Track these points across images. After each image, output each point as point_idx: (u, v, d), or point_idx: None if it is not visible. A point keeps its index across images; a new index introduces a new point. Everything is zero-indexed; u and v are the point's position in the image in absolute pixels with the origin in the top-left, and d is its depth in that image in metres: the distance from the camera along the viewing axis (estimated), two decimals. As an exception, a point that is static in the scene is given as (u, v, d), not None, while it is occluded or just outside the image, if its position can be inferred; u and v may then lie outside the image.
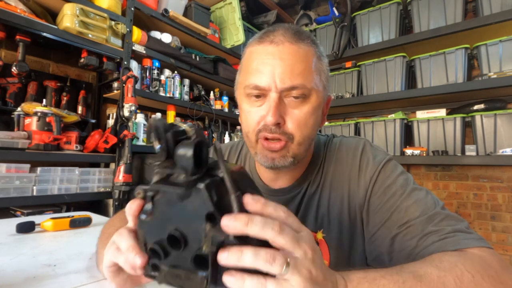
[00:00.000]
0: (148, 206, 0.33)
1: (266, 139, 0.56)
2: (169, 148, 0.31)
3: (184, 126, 0.33)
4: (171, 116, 2.06)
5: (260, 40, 0.57)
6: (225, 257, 0.29)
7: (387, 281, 0.35)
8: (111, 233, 0.45)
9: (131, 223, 0.36)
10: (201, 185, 0.29)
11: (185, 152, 0.29)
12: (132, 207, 0.34)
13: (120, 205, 1.60)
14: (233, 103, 2.61)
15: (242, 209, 0.30)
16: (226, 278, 0.29)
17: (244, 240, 0.30)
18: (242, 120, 0.61)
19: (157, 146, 0.32)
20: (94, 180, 1.58)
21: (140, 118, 1.90)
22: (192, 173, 0.30)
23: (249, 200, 0.31)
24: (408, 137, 2.19)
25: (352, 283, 0.35)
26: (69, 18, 1.42)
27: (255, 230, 0.29)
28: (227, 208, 0.30)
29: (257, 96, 0.56)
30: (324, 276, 0.32)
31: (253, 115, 0.57)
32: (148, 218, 0.33)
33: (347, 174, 0.62)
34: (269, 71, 0.54)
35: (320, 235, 0.63)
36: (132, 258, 0.33)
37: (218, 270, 0.30)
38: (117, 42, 1.66)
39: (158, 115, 2.04)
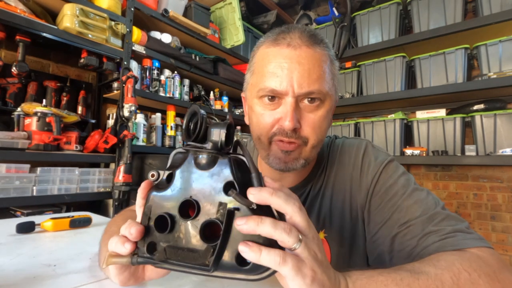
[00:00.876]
0: (163, 182, 0.35)
1: (280, 141, 0.56)
2: (201, 131, 0.35)
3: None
4: (171, 116, 2.06)
5: (275, 41, 0.56)
6: (243, 223, 0.30)
7: (384, 278, 0.36)
8: (114, 231, 0.45)
9: (140, 201, 0.37)
10: (226, 158, 0.33)
11: (219, 128, 0.34)
12: (142, 186, 0.36)
13: (120, 205, 1.60)
14: (233, 103, 2.61)
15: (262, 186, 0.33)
16: (242, 248, 0.30)
17: (257, 213, 0.32)
18: (253, 122, 0.60)
19: (185, 127, 0.35)
20: (94, 180, 1.58)
21: (140, 118, 1.90)
22: (220, 148, 0.34)
23: (269, 180, 0.34)
24: (408, 137, 2.19)
25: (351, 278, 0.35)
26: (69, 18, 1.42)
27: (278, 202, 0.32)
28: (246, 184, 0.33)
29: (271, 99, 0.55)
30: (328, 264, 0.34)
31: (267, 118, 0.56)
32: (160, 192, 0.34)
33: (349, 175, 0.62)
34: (287, 75, 0.53)
35: (321, 235, 0.63)
36: (128, 232, 0.34)
37: (226, 242, 0.31)
38: (117, 42, 1.66)
39: (158, 115, 2.04)
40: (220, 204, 0.32)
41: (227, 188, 0.32)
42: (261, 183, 0.33)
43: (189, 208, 0.33)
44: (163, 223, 0.33)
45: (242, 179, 0.33)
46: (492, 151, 1.81)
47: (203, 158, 0.34)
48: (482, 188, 2.06)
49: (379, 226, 0.56)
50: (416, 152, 2.01)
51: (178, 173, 0.34)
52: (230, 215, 0.31)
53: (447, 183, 2.19)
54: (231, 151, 0.36)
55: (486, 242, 0.47)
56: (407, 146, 2.11)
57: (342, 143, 0.68)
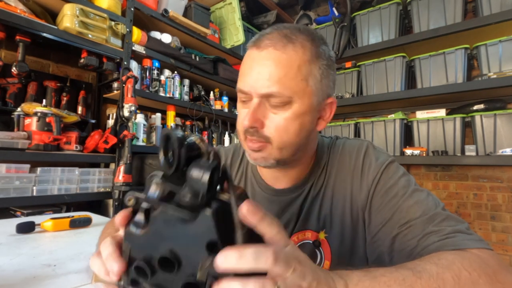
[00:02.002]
0: (141, 218, 0.30)
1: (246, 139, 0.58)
2: (180, 164, 0.29)
3: (194, 138, 0.31)
4: (171, 116, 2.06)
5: (253, 43, 0.58)
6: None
7: (387, 278, 0.35)
8: (110, 233, 0.44)
9: (119, 228, 0.34)
10: (209, 212, 0.28)
11: (201, 175, 0.28)
12: (119, 216, 0.33)
13: (120, 205, 1.60)
14: (233, 103, 2.61)
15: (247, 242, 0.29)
16: None
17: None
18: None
19: (162, 157, 0.30)
20: (94, 180, 1.58)
21: (140, 118, 1.90)
22: (201, 198, 0.28)
23: (247, 212, 0.29)
24: (408, 137, 2.19)
25: (352, 281, 0.34)
26: (69, 19, 1.42)
27: (248, 266, 0.28)
28: (230, 237, 0.29)
29: (245, 101, 0.58)
30: (318, 282, 0.32)
31: (241, 116, 0.59)
32: (138, 232, 0.30)
33: (350, 176, 0.63)
34: (251, 76, 0.55)
35: (322, 235, 0.63)
36: (109, 266, 0.32)
37: None
38: (117, 42, 1.66)
39: (158, 115, 2.04)
40: (203, 263, 0.28)
41: (210, 247, 0.28)
42: (246, 240, 0.29)
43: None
44: (143, 271, 0.30)
45: (228, 233, 0.29)
46: (492, 151, 1.81)
47: (179, 213, 0.29)
48: (482, 188, 2.05)
49: (379, 227, 0.56)
50: (416, 152, 2.01)
51: (155, 217, 0.30)
52: (212, 281, 0.28)
53: (447, 183, 2.19)
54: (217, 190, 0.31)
55: (486, 243, 0.47)
56: (407, 146, 2.11)
57: (343, 144, 0.68)
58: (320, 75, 0.57)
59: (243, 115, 0.58)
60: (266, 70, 0.54)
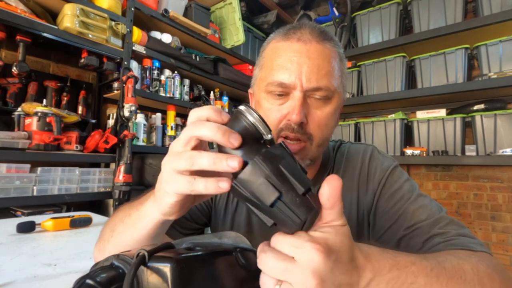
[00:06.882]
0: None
1: (286, 138, 0.55)
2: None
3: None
4: (171, 116, 2.06)
5: (286, 36, 0.56)
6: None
7: (416, 268, 0.34)
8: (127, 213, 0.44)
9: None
10: None
11: None
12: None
13: (121, 205, 1.60)
14: (233, 103, 2.61)
15: None
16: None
17: None
18: None
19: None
20: (94, 180, 1.58)
21: (140, 118, 1.90)
22: None
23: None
24: (408, 137, 2.18)
25: (381, 272, 0.32)
26: (69, 19, 1.42)
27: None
28: None
29: (279, 95, 0.55)
30: (340, 283, 0.30)
31: (275, 113, 0.55)
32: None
33: (356, 180, 0.63)
34: (296, 68, 0.53)
35: None
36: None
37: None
38: (117, 42, 1.66)
39: (158, 115, 2.04)
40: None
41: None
42: None
43: None
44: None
45: None
46: (492, 151, 1.81)
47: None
48: (482, 188, 2.05)
49: (384, 229, 0.57)
50: (416, 152, 2.01)
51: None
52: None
53: (447, 183, 2.19)
54: None
55: (487, 249, 0.48)
56: (407, 146, 2.11)
57: (348, 148, 0.68)
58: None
59: (279, 112, 0.55)
60: (315, 63, 0.53)
